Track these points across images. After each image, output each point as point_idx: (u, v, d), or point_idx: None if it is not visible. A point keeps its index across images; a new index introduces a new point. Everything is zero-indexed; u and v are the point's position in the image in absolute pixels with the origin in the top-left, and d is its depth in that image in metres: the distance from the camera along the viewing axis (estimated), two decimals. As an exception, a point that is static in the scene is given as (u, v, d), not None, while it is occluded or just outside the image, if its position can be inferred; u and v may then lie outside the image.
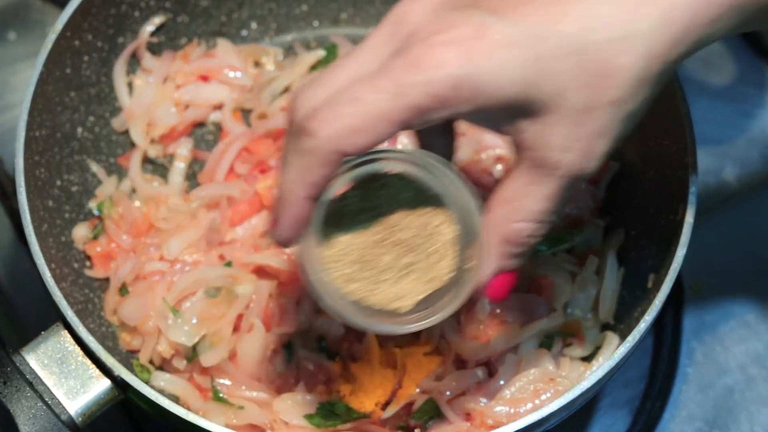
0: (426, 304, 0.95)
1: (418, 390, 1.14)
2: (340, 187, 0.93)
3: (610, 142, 0.90)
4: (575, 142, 0.89)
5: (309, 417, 1.14)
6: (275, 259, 1.19)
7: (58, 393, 1.06)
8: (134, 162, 1.29)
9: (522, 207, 0.92)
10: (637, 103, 0.89)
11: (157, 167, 1.31)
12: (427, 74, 0.84)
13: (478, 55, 0.85)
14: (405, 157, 0.94)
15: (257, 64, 1.36)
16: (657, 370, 1.33)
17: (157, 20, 1.32)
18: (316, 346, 1.21)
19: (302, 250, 0.93)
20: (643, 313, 1.09)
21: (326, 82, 0.89)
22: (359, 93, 0.85)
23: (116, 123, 1.30)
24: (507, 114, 0.89)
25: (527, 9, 0.86)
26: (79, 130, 1.26)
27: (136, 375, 1.05)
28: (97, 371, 1.07)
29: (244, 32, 1.39)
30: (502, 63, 0.85)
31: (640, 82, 0.88)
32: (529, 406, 1.12)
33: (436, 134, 1.00)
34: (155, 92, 1.31)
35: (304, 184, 0.88)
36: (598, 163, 0.91)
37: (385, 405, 1.15)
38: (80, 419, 1.06)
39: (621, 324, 1.19)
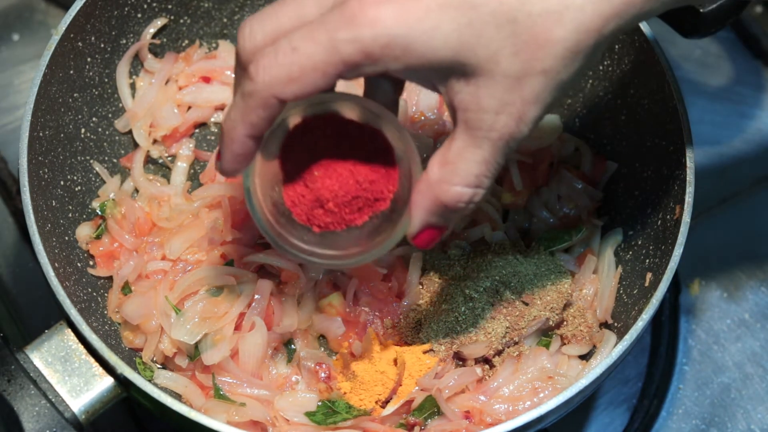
0: (360, 244, 1.02)
1: (417, 387, 1.15)
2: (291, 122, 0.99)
3: (541, 109, 0.93)
4: (508, 106, 0.91)
5: (310, 414, 1.14)
6: (276, 258, 1.20)
7: (62, 391, 1.06)
8: (137, 162, 1.29)
9: (459, 170, 0.94)
10: (569, 74, 0.91)
11: (160, 167, 1.32)
12: (360, 31, 0.87)
13: (412, 15, 0.87)
14: (357, 102, 0.98)
15: (258, 65, 1.37)
16: (654, 368, 1.33)
17: (159, 22, 1.32)
18: (317, 344, 1.22)
19: (246, 181, 1.00)
20: (640, 311, 1.09)
21: (271, 18, 0.92)
22: (297, 42, 0.88)
23: (119, 124, 1.31)
24: (440, 75, 0.92)
25: None
26: (83, 130, 1.27)
27: (138, 373, 1.05)
28: (101, 369, 1.07)
29: (246, 34, 1.39)
30: (436, 25, 0.88)
31: (573, 54, 0.90)
32: (528, 403, 1.12)
33: (383, 82, 1.02)
34: (157, 93, 1.31)
35: (244, 124, 0.93)
36: (530, 127, 0.93)
37: (385, 402, 1.15)
38: (83, 417, 1.07)
39: (619, 323, 1.19)
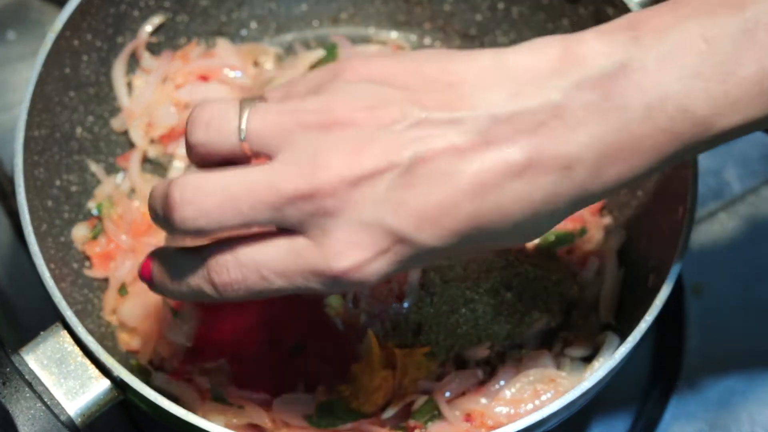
0: None
1: (418, 390, 1.14)
2: None
3: None
4: None
5: (309, 417, 1.13)
6: (275, 259, 1.19)
7: (58, 393, 1.05)
8: (134, 162, 1.28)
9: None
10: None
11: (157, 167, 1.31)
12: (329, 284, 0.85)
13: (374, 270, 0.85)
14: None
15: (256, 63, 1.36)
16: (658, 370, 1.33)
17: (156, 20, 1.31)
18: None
19: None
20: (643, 313, 1.08)
21: (218, 211, 0.84)
22: (267, 273, 0.85)
23: (116, 123, 1.30)
24: None
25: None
26: (79, 130, 1.26)
27: (135, 375, 1.04)
28: (97, 372, 1.06)
29: (244, 32, 1.39)
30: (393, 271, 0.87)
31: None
32: (530, 406, 1.12)
33: None
34: (154, 92, 1.30)
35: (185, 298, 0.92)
36: None
37: (385, 405, 1.14)
38: (80, 420, 1.06)
39: (622, 324, 1.19)
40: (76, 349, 1.07)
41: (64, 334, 1.08)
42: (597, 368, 1.09)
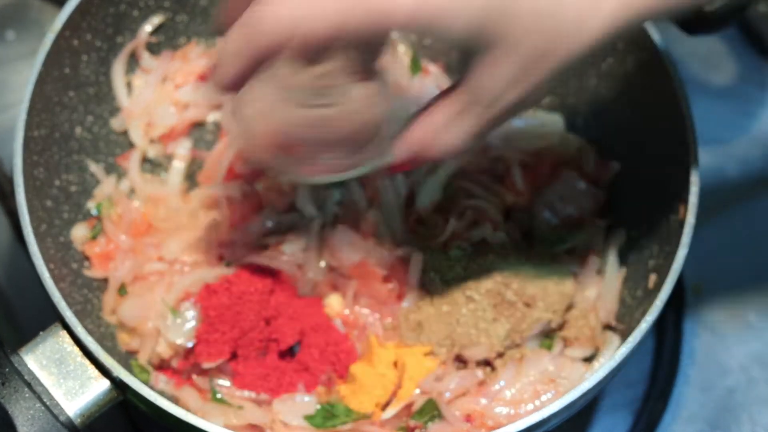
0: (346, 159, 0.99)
1: (418, 390, 1.14)
2: None
3: (546, 93, 0.93)
4: (518, 84, 0.89)
5: (309, 417, 1.13)
6: (275, 259, 1.19)
7: (57, 394, 1.05)
8: (133, 162, 1.28)
9: (443, 140, 0.94)
10: (582, 59, 0.90)
11: (156, 167, 1.31)
12: (385, 7, 0.84)
13: None
14: None
15: (256, 63, 1.36)
16: (658, 371, 1.33)
17: (156, 20, 1.31)
18: (316, 346, 1.21)
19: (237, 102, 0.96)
20: (644, 313, 1.08)
21: None
22: (313, 16, 0.85)
23: (115, 123, 1.30)
24: (455, 44, 0.91)
25: None
26: (78, 129, 1.26)
27: (135, 376, 1.04)
28: (96, 372, 1.06)
29: (244, 32, 1.38)
30: (463, 4, 0.84)
31: (598, 43, 0.88)
32: (530, 407, 1.11)
33: None
34: (154, 92, 1.30)
35: (252, 57, 0.90)
36: (528, 109, 0.94)
37: (385, 405, 1.14)
38: (79, 420, 1.05)
39: (622, 324, 1.18)
40: (76, 350, 1.07)
41: (64, 334, 1.08)
42: (597, 368, 1.09)
